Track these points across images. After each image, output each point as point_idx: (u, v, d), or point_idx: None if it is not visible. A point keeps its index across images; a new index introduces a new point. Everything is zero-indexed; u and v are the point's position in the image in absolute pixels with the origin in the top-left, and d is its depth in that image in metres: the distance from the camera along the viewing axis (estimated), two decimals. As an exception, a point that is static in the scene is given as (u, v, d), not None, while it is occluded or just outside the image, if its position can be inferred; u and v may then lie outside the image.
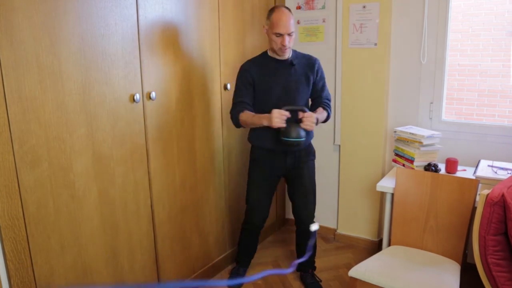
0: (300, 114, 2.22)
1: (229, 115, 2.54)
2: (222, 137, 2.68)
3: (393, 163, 2.73)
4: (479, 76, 2.68)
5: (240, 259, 2.74)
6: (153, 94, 2.12)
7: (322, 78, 2.46)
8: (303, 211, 2.51)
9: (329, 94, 2.48)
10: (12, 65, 1.55)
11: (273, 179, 2.51)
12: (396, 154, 2.70)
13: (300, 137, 2.19)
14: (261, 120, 2.23)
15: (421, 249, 2.25)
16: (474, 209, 2.10)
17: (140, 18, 2.01)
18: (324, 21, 3.04)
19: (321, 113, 2.37)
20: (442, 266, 2.04)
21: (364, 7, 2.82)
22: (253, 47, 2.84)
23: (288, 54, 2.34)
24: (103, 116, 1.91)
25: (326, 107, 2.43)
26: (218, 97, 2.59)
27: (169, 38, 2.20)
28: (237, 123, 2.36)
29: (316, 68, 2.40)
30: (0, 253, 1.61)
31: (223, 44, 2.58)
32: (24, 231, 1.67)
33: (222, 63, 2.59)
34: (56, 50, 1.68)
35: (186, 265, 2.53)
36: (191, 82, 2.38)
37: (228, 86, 2.64)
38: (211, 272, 2.74)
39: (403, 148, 2.63)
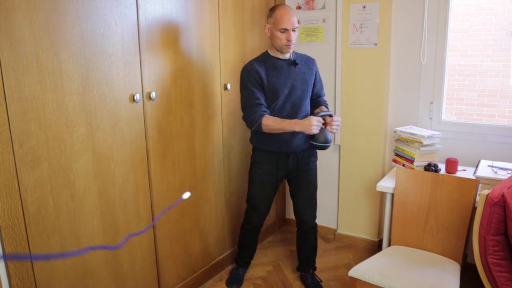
0: (328, 119, 2.25)
1: (229, 115, 2.54)
2: (222, 137, 2.68)
3: (393, 163, 2.73)
4: (479, 76, 2.68)
5: (240, 259, 2.74)
6: (153, 94, 2.12)
7: (320, 78, 2.51)
8: (305, 212, 2.53)
9: (324, 93, 2.57)
10: (12, 65, 1.55)
11: (276, 180, 2.48)
12: (396, 154, 2.70)
13: (329, 141, 2.23)
14: (293, 126, 2.20)
15: (421, 249, 2.25)
16: (474, 209, 2.10)
17: (140, 18, 2.01)
18: (324, 21, 3.04)
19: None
20: (442, 266, 2.04)
21: (364, 7, 2.82)
22: (253, 47, 2.84)
23: (292, 50, 2.32)
24: (103, 116, 1.91)
25: (327, 107, 2.47)
26: (218, 97, 2.59)
27: (169, 38, 2.20)
28: (258, 127, 2.25)
29: (315, 69, 2.45)
30: (0, 253, 1.61)
31: (223, 44, 2.58)
32: (24, 231, 1.67)
33: (222, 63, 2.59)
34: (56, 50, 1.68)
35: (186, 265, 2.53)
36: (191, 82, 2.38)
37: (228, 86, 2.64)
38: (211, 272, 2.74)
39: (403, 148, 2.63)
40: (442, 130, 2.73)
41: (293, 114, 2.33)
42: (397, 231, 2.33)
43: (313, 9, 3.07)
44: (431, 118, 2.82)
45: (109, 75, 1.91)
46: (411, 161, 2.54)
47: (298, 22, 3.11)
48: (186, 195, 1.66)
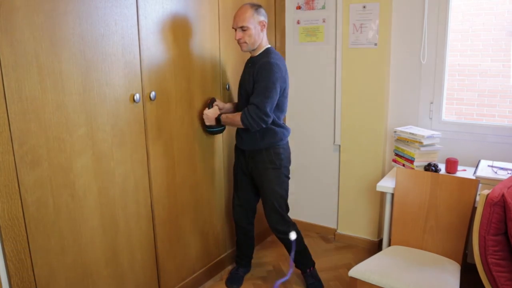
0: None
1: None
2: (222, 137, 2.68)
3: (393, 163, 2.73)
4: (479, 76, 2.68)
5: (239, 258, 2.74)
6: (153, 94, 2.12)
7: (258, 81, 2.21)
8: (266, 217, 2.48)
9: (260, 101, 2.19)
10: (12, 65, 1.55)
11: (243, 177, 2.53)
12: (396, 154, 2.70)
13: (205, 126, 2.45)
14: None
15: (421, 249, 2.25)
16: (474, 209, 2.10)
17: (140, 18, 2.01)
18: (324, 21, 3.04)
19: (232, 116, 2.32)
20: (442, 266, 2.04)
21: (364, 7, 2.82)
22: (253, 47, 2.84)
23: (245, 49, 2.31)
24: (103, 116, 1.91)
25: (243, 113, 2.24)
26: (218, 97, 2.59)
27: (169, 38, 2.20)
28: None
29: (256, 70, 2.24)
30: (0, 253, 1.62)
31: (223, 44, 2.58)
32: (24, 231, 1.67)
33: (222, 63, 2.59)
34: (56, 50, 1.68)
35: (186, 265, 2.53)
36: (191, 82, 2.38)
37: (228, 86, 2.64)
38: (211, 272, 2.74)
39: (403, 148, 2.63)
40: (442, 130, 2.73)
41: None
42: (397, 231, 2.33)
43: (313, 9, 3.07)
44: (431, 118, 2.82)
45: (109, 75, 1.91)
46: (411, 161, 2.54)
47: (298, 22, 3.13)
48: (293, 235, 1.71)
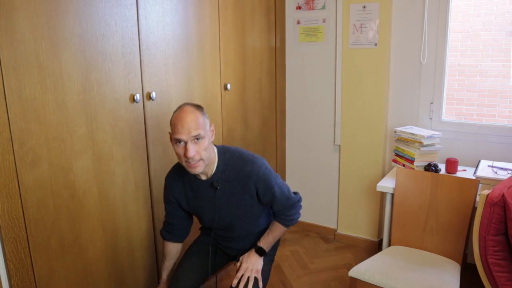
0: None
1: (229, 116, 2.52)
2: (222, 137, 2.68)
3: (393, 163, 2.73)
4: (479, 76, 2.68)
5: None
6: (153, 94, 2.12)
7: (268, 189, 1.80)
8: None
9: (287, 199, 1.87)
10: (12, 65, 1.55)
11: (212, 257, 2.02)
12: (396, 154, 2.71)
13: None
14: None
15: (421, 249, 2.25)
16: (474, 209, 2.10)
17: (140, 18, 2.01)
18: (324, 21, 3.04)
19: (272, 233, 1.92)
20: (442, 266, 2.04)
21: (364, 7, 2.82)
22: (253, 47, 2.84)
23: (200, 169, 1.69)
24: (103, 116, 1.91)
25: (282, 221, 1.91)
26: (218, 97, 2.59)
27: (169, 38, 2.20)
28: None
29: (252, 184, 1.78)
30: (0, 253, 1.62)
31: (223, 44, 2.58)
32: (24, 231, 1.67)
33: (222, 63, 2.59)
34: (56, 50, 1.68)
35: (186, 265, 2.52)
36: (191, 82, 2.38)
37: (228, 86, 2.64)
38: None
39: (403, 148, 2.63)
40: (442, 130, 2.74)
41: (227, 237, 1.98)
42: (397, 231, 2.33)
43: (313, 9, 3.07)
44: (431, 118, 2.82)
45: (109, 75, 1.91)
46: (411, 161, 2.54)
47: (298, 22, 3.13)
48: None
